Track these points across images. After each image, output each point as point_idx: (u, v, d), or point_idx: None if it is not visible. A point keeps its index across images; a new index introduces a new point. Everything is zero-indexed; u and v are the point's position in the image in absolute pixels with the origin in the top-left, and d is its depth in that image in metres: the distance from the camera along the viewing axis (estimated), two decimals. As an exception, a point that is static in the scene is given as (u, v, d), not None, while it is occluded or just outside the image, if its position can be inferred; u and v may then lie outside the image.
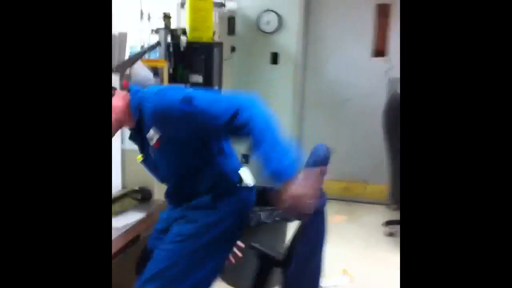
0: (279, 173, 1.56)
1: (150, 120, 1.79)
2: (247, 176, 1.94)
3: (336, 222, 4.32)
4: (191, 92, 1.74)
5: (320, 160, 1.71)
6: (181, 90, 1.77)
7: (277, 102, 4.48)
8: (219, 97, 1.77)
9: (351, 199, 4.71)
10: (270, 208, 2.03)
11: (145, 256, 2.15)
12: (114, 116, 1.84)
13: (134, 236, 2.15)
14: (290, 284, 1.80)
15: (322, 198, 1.79)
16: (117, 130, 1.96)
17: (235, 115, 1.60)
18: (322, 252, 1.91)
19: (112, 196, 2.38)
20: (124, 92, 1.90)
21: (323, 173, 1.67)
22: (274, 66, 4.45)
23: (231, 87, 4.23)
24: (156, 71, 2.75)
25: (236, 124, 1.61)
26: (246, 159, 4.62)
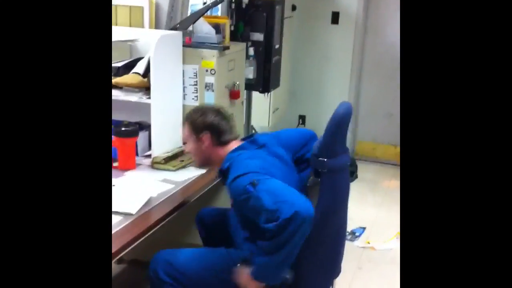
0: (257, 270, 1.73)
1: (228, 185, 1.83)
2: None
3: (392, 187, 4.28)
4: (264, 177, 1.70)
5: (338, 117, 1.73)
6: (254, 174, 1.72)
7: (336, 62, 4.44)
8: (280, 193, 1.66)
9: (407, 164, 4.64)
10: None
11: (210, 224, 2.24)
12: (208, 156, 1.97)
13: (193, 191, 2.19)
14: (307, 241, 1.81)
15: (340, 156, 1.78)
16: (203, 166, 2.09)
17: (272, 219, 1.62)
18: (343, 210, 1.90)
19: (173, 152, 2.43)
20: (233, 143, 1.96)
21: None
22: (334, 26, 4.36)
23: (291, 46, 4.18)
24: (218, 28, 2.74)
25: (266, 228, 1.64)
26: (302, 119, 4.62)
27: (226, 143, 1.96)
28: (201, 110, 2.02)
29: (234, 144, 1.96)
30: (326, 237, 1.87)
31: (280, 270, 1.73)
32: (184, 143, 2.13)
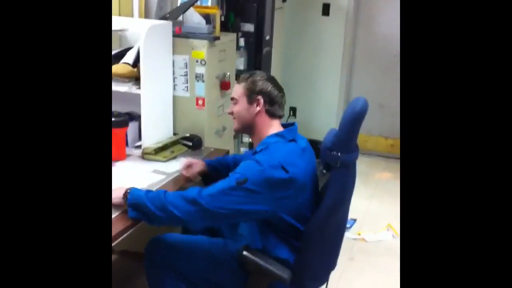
0: (133, 199, 1.79)
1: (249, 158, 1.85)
2: None
3: (383, 179, 4.29)
4: (251, 181, 1.72)
5: (355, 113, 1.70)
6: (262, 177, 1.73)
7: (327, 54, 4.42)
8: (226, 206, 1.73)
9: (398, 156, 4.64)
10: (317, 160, 2.03)
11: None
12: (252, 122, 1.94)
13: (184, 182, 2.17)
14: (311, 235, 1.81)
15: (354, 153, 1.77)
16: (241, 131, 2.05)
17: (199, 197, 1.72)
18: (347, 204, 1.90)
19: (163, 143, 2.41)
20: (276, 123, 1.95)
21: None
22: (325, 17, 4.34)
23: (282, 37, 4.16)
24: (208, 18, 2.71)
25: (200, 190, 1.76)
26: (293, 111, 4.61)
27: (273, 116, 1.95)
28: (262, 76, 1.98)
29: (276, 125, 1.95)
30: (330, 232, 1.87)
31: (138, 211, 1.77)
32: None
